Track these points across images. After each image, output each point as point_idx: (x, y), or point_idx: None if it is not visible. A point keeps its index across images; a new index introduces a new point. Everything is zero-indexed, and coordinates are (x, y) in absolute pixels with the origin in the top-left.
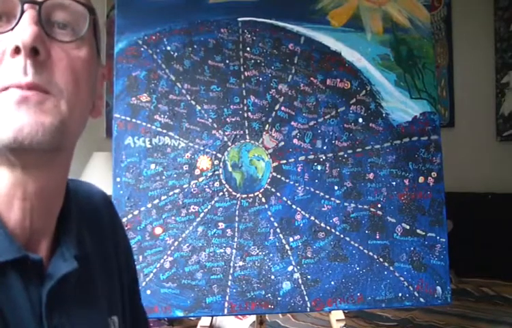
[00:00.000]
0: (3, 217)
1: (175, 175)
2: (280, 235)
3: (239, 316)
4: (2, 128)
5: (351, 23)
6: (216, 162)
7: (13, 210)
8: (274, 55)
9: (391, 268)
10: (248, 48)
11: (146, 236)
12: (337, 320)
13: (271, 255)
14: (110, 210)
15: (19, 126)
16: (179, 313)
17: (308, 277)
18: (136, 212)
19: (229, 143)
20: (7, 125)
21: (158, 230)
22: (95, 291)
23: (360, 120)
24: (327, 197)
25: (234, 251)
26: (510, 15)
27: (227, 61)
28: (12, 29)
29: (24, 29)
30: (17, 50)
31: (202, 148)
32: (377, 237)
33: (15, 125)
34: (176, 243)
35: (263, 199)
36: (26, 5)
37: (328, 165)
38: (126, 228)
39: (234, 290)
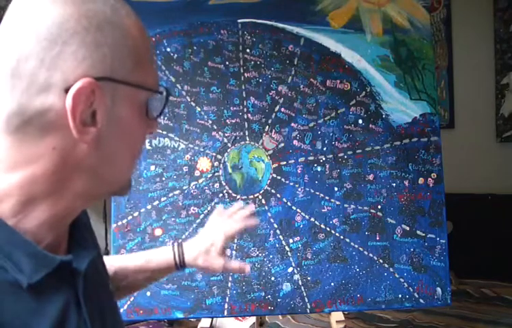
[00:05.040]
0: (35, 238)
1: (174, 177)
2: (280, 236)
3: (240, 318)
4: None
5: (351, 24)
6: (216, 163)
7: (48, 235)
8: (273, 57)
9: (391, 269)
10: (247, 50)
11: (146, 237)
12: (337, 322)
13: (271, 256)
14: None
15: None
16: (179, 315)
17: (308, 278)
18: (136, 214)
19: (229, 145)
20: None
21: (158, 232)
22: (101, 270)
23: (360, 121)
24: (327, 198)
25: (234, 252)
26: (509, 16)
27: (227, 63)
28: None
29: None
30: None
31: (202, 150)
32: (377, 238)
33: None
34: None
35: (263, 201)
36: None
37: (327, 166)
38: (126, 230)
39: (234, 292)
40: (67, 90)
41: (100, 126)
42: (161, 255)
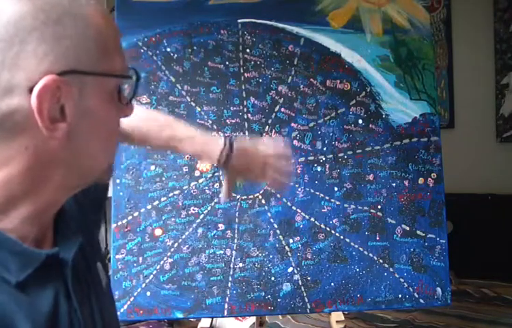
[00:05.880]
0: (19, 236)
1: (174, 177)
2: (280, 236)
3: (239, 318)
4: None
5: (351, 24)
6: None
7: (32, 230)
8: (273, 57)
9: (391, 269)
10: (247, 50)
11: (146, 237)
12: (337, 322)
13: (271, 256)
14: None
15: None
16: (179, 315)
17: (308, 278)
18: (136, 214)
19: None
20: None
21: (158, 232)
22: (87, 249)
23: (360, 121)
24: (327, 198)
25: (234, 252)
26: (509, 16)
27: (227, 63)
28: None
29: None
30: None
31: None
32: (377, 238)
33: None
34: (176, 245)
35: (263, 201)
36: None
37: (327, 166)
38: (126, 230)
39: (234, 292)
40: (31, 89)
41: (70, 120)
42: (194, 147)
